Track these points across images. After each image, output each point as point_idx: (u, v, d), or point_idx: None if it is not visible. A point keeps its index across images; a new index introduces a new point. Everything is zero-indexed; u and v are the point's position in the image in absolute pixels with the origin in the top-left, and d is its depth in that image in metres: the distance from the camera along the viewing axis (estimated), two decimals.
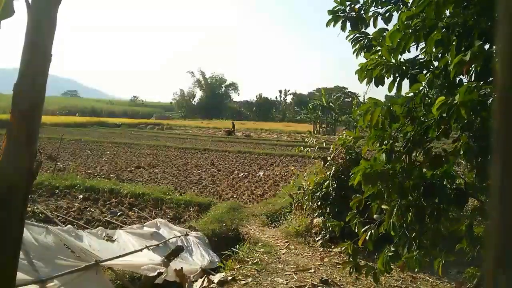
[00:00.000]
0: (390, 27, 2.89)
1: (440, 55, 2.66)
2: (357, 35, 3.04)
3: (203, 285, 4.35)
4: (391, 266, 2.81)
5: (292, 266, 4.91)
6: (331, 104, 42.39)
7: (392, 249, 2.76)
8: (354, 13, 3.04)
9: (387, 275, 3.94)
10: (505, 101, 0.56)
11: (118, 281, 4.24)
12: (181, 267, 4.42)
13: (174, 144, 21.51)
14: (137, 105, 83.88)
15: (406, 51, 2.58)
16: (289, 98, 78.40)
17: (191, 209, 7.90)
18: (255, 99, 76.21)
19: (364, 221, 2.92)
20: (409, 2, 2.90)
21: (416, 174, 2.56)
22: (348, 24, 3.06)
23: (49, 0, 1.38)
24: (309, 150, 6.93)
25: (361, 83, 2.72)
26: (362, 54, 2.99)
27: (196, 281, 4.58)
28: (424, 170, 2.62)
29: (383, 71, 2.61)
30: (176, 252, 4.53)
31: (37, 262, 3.12)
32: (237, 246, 5.69)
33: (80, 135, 24.37)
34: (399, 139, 2.58)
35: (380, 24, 3.01)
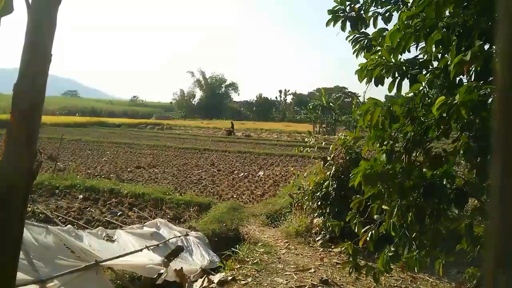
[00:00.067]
0: (390, 27, 2.89)
1: (440, 55, 2.66)
2: (357, 35, 3.04)
3: (203, 285, 4.35)
4: (391, 266, 2.81)
5: (292, 266, 4.91)
6: (331, 104, 42.41)
7: (392, 249, 2.76)
8: (354, 13, 3.04)
9: (387, 275, 3.94)
10: (505, 101, 0.56)
11: (118, 281, 4.24)
12: (181, 267, 4.42)
13: (174, 144, 21.51)
14: (137, 105, 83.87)
15: (406, 51, 2.59)
16: (289, 98, 78.47)
17: (191, 209, 7.90)
18: (255, 99, 76.22)
19: (364, 221, 2.92)
20: (409, 2, 2.90)
21: (416, 174, 2.56)
22: (348, 24, 3.05)
23: (49, 0, 1.38)
24: (309, 150, 6.94)
25: (360, 82, 2.72)
26: (362, 54, 2.99)
27: (196, 281, 4.58)
28: (424, 170, 2.62)
29: (383, 71, 2.61)
30: (176, 252, 4.53)
31: (37, 262, 3.13)
32: (237, 246, 5.69)
33: (80, 135, 24.38)
34: (399, 139, 2.58)
35: (380, 24, 3.01)
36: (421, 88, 2.44)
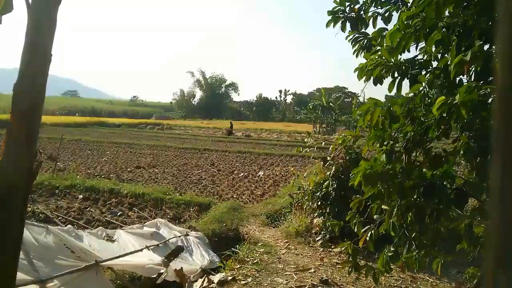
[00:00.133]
0: (389, 27, 2.89)
1: (440, 55, 2.66)
2: (357, 35, 3.04)
3: (203, 285, 4.35)
4: (391, 266, 2.81)
5: (292, 266, 4.91)
6: (331, 104, 42.40)
7: (392, 249, 2.76)
8: (353, 13, 3.04)
9: (387, 275, 3.94)
10: (505, 101, 0.56)
11: (118, 281, 4.24)
12: (181, 267, 4.42)
13: (174, 144, 21.51)
14: (137, 105, 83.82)
15: (406, 51, 2.59)
16: (289, 98, 78.43)
17: (191, 209, 7.90)
18: (255, 99, 76.17)
19: (364, 221, 2.92)
20: (408, 2, 2.90)
21: (416, 174, 2.56)
22: (348, 24, 3.05)
23: (49, 0, 1.38)
24: (308, 151, 6.95)
25: (359, 80, 2.73)
26: (362, 54, 2.99)
27: (196, 281, 4.58)
28: (424, 170, 2.62)
29: (383, 71, 2.61)
30: (176, 252, 4.53)
31: (37, 262, 3.13)
32: (237, 246, 5.69)
33: (80, 135, 24.37)
34: (399, 139, 2.58)
35: (380, 24, 3.01)
36: (421, 88, 2.44)
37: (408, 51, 2.60)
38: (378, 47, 2.83)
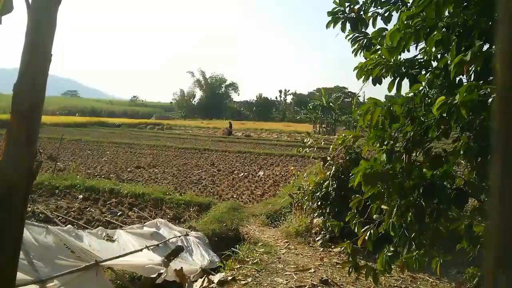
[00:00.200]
0: (389, 27, 2.89)
1: (440, 55, 2.66)
2: (357, 34, 3.04)
3: (203, 285, 4.35)
4: (391, 266, 2.81)
5: (292, 266, 4.91)
6: (331, 104, 42.41)
7: (392, 249, 2.76)
8: (353, 14, 3.04)
9: (387, 275, 3.94)
10: (505, 101, 0.56)
11: (118, 281, 4.24)
12: (181, 267, 4.42)
13: (174, 144, 21.50)
14: (137, 105, 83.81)
15: (406, 51, 2.59)
16: (289, 98, 78.39)
17: (191, 209, 7.90)
18: (255, 99, 76.14)
19: (364, 221, 2.92)
20: (408, 2, 2.90)
21: (416, 174, 2.56)
22: (347, 25, 3.06)
23: (49, 0, 1.38)
24: (308, 151, 6.97)
25: (358, 79, 2.73)
26: (362, 53, 2.99)
27: (196, 281, 4.58)
28: (424, 170, 2.62)
29: (383, 71, 2.61)
30: (176, 252, 4.53)
31: (37, 262, 3.13)
32: (237, 246, 5.69)
33: (80, 135, 24.37)
34: (399, 139, 2.58)
35: (380, 24, 3.01)
36: (421, 88, 2.44)
37: (408, 51, 2.60)
38: (378, 47, 2.83)
